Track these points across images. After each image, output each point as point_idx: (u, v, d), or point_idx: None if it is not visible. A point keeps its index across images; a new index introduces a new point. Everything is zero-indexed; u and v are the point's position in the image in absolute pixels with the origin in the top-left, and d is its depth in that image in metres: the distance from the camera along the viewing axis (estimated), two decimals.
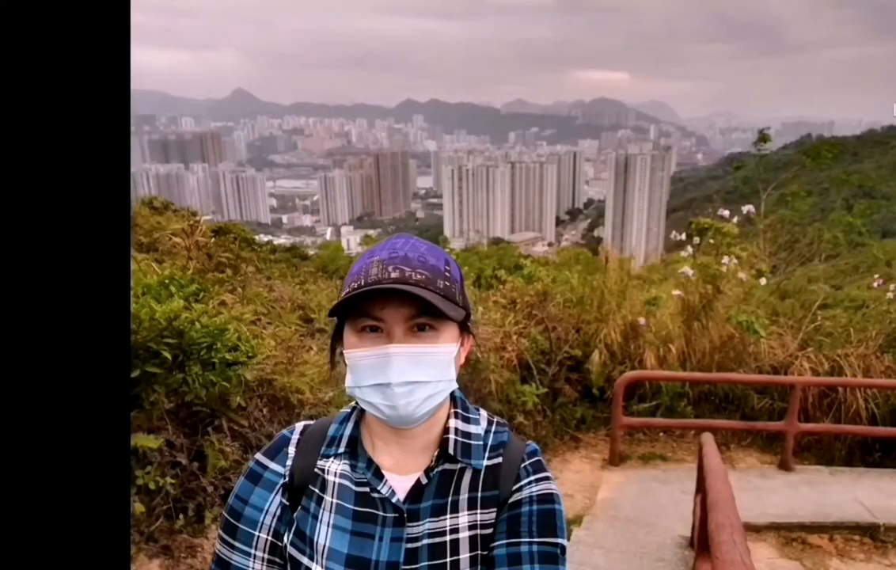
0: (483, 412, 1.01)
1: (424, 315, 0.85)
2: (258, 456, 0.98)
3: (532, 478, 0.94)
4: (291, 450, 0.97)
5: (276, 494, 0.94)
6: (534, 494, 0.92)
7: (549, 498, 0.93)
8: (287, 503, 0.94)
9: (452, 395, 0.96)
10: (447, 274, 0.89)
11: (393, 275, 0.84)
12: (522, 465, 0.95)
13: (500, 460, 0.95)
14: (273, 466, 0.96)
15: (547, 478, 0.95)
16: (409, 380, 0.84)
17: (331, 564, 0.88)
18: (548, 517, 0.91)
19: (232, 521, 0.93)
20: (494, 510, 0.92)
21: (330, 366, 0.97)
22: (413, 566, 0.88)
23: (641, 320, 6.46)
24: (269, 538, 0.93)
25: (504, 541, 0.89)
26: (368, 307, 0.85)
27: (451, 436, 0.93)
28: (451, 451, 0.92)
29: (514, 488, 0.93)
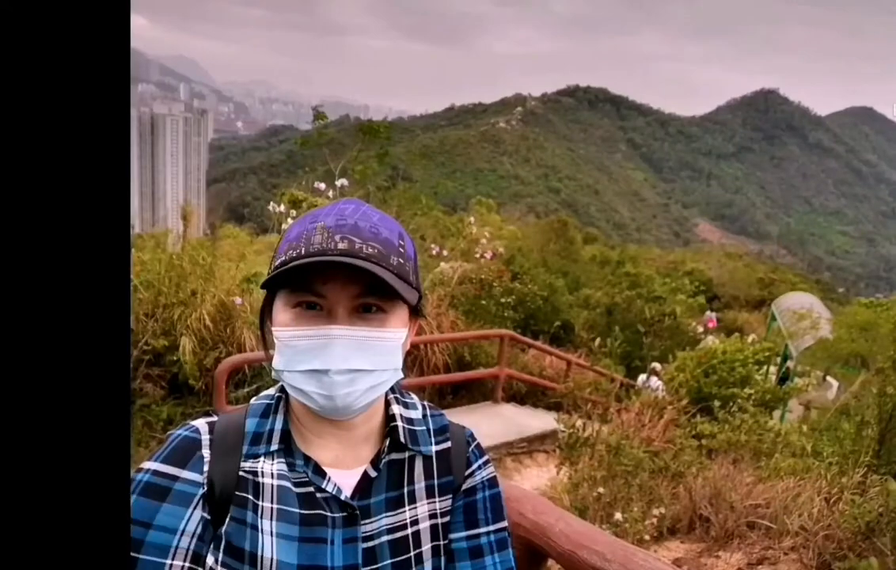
0: (415, 396, 0.94)
1: (373, 295, 0.75)
2: (156, 466, 0.76)
3: (480, 462, 0.92)
4: (206, 453, 0.79)
5: (194, 508, 0.75)
6: (485, 479, 0.91)
7: (496, 482, 0.92)
8: (209, 518, 0.76)
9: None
10: (401, 250, 0.78)
11: (340, 245, 0.73)
12: (470, 448, 0.92)
13: (448, 444, 0.90)
14: (186, 474, 0.76)
15: (489, 461, 0.93)
16: (352, 368, 0.74)
17: None
18: (497, 501, 0.90)
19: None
20: (450, 496, 0.88)
21: (263, 345, 0.83)
22: (374, 567, 0.79)
23: (237, 300, 5.74)
24: (187, 564, 0.74)
25: (464, 533, 0.87)
26: (309, 281, 0.73)
27: (399, 424, 0.85)
28: (401, 439, 0.84)
29: (467, 473, 0.90)
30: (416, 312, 0.83)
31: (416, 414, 0.90)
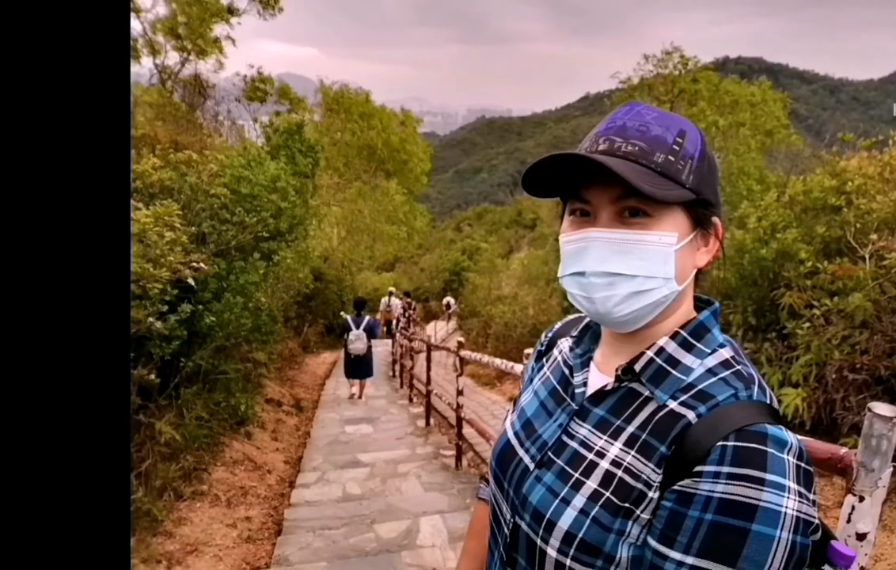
0: (726, 352, 0.73)
1: (634, 196, 0.69)
2: None
3: (725, 468, 0.62)
4: (557, 325, 1.02)
5: (535, 352, 1.02)
6: (714, 494, 0.62)
7: (740, 510, 0.60)
8: (534, 364, 1.00)
9: (700, 319, 0.75)
10: (675, 148, 0.70)
11: (601, 147, 0.71)
12: (722, 441, 0.63)
13: (691, 415, 0.67)
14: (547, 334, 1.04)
15: (754, 480, 0.61)
16: (608, 271, 0.71)
17: (516, 420, 0.90)
18: (725, 535, 0.60)
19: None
20: (648, 462, 0.68)
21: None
22: (556, 457, 0.77)
23: None
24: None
25: (653, 540, 0.65)
26: (576, 188, 0.74)
27: (650, 353, 0.74)
28: (637, 367, 0.74)
29: (696, 468, 0.63)
30: (698, 219, 0.73)
31: (690, 361, 0.73)
